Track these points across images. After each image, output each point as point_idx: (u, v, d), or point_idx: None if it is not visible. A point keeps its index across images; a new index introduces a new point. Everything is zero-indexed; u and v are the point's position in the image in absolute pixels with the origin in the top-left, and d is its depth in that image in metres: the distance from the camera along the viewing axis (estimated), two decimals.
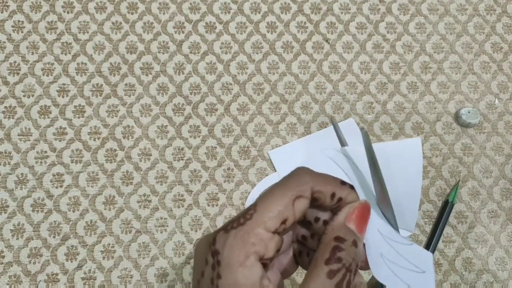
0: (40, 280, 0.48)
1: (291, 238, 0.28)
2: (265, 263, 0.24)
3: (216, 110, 0.52)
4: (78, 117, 0.51)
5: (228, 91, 0.53)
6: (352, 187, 0.26)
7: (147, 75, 0.53)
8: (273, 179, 0.51)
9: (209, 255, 0.24)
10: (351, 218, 0.25)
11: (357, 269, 0.24)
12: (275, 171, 0.51)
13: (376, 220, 0.26)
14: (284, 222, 0.24)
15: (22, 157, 0.50)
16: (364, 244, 0.26)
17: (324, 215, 0.27)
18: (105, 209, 0.49)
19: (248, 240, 0.23)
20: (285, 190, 0.25)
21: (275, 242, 0.24)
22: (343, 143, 0.27)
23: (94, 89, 0.52)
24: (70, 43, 0.53)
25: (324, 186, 0.25)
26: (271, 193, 0.25)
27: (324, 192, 0.25)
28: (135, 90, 0.52)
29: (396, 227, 0.27)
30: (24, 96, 0.51)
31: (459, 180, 0.51)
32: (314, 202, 0.26)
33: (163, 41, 0.54)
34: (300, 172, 0.26)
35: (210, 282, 0.24)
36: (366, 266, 0.27)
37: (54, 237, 0.48)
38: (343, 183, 0.26)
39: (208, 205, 0.50)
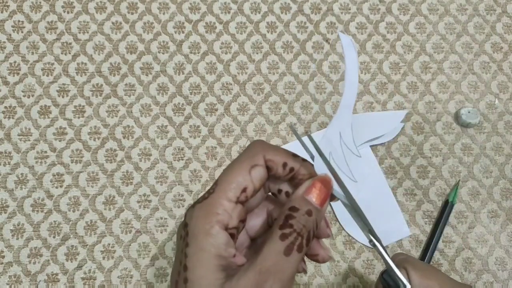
0: (40, 280, 0.48)
1: (261, 201, 0.30)
2: (232, 233, 0.26)
3: (216, 110, 0.52)
4: (78, 117, 0.51)
5: (228, 91, 0.53)
6: (305, 160, 0.28)
7: (147, 75, 0.53)
8: None
9: (182, 229, 0.26)
10: (311, 190, 0.27)
11: (310, 235, 0.26)
12: None
13: (342, 125, 0.28)
14: (244, 190, 0.26)
15: (22, 157, 0.50)
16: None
17: (285, 187, 0.29)
18: (105, 209, 0.49)
19: (211, 210, 0.26)
20: (240, 163, 0.27)
21: (238, 212, 0.26)
22: (309, 153, 0.28)
23: (94, 89, 0.52)
24: (70, 43, 0.53)
25: (276, 156, 0.27)
26: (229, 167, 0.27)
27: (275, 161, 0.27)
28: (135, 90, 0.52)
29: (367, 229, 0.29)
30: (24, 96, 0.51)
31: (459, 180, 0.51)
32: (269, 172, 0.28)
33: (163, 41, 0.54)
34: (253, 145, 0.28)
35: (181, 251, 0.26)
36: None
37: (54, 237, 0.48)
38: (295, 155, 0.28)
39: None
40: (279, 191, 0.29)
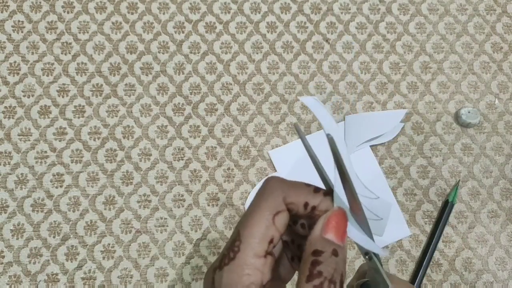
0: (40, 280, 0.48)
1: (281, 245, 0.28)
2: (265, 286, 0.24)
3: (216, 110, 0.52)
4: (78, 117, 0.51)
5: (228, 91, 0.53)
6: (326, 193, 0.26)
7: (147, 75, 0.53)
8: None
9: None
10: (328, 228, 0.24)
11: (343, 278, 0.24)
12: (275, 171, 0.51)
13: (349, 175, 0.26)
14: (271, 241, 0.24)
15: (22, 157, 0.50)
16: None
17: (302, 219, 0.27)
18: (105, 209, 0.49)
19: (242, 273, 0.23)
20: (261, 210, 0.24)
21: (269, 264, 0.24)
22: (310, 153, 0.26)
23: (94, 89, 0.52)
24: (70, 43, 0.53)
25: (296, 197, 0.25)
26: (249, 217, 0.25)
27: (297, 202, 0.25)
28: (135, 90, 0.52)
29: (370, 235, 0.27)
30: (24, 96, 0.51)
31: (459, 180, 0.51)
32: (289, 212, 0.25)
33: (163, 41, 0.54)
34: (271, 186, 0.25)
35: None
36: None
37: (54, 237, 0.48)
38: (316, 190, 0.26)
39: (208, 205, 0.50)
40: (295, 222, 0.27)
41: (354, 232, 0.26)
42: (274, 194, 0.25)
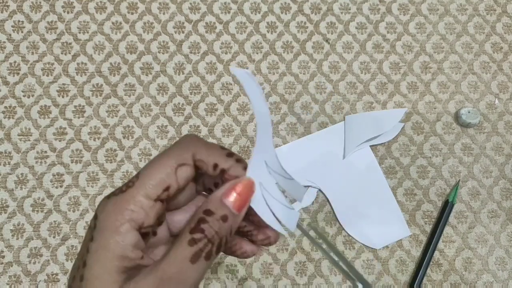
0: (40, 280, 0.48)
1: (190, 198, 0.28)
2: (146, 232, 0.24)
3: (216, 110, 0.52)
4: (78, 117, 0.51)
5: (228, 91, 0.53)
6: (239, 160, 0.26)
7: (147, 75, 0.53)
8: None
9: (92, 219, 0.25)
10: (230, 194, 0.25)
11: (222, 242, 0.24)
12: None
13: (265, 155, 0.26)
14: (166, 189, 0.24)
15: (22, 157, 0.50)
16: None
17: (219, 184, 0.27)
18: None
19: (126, 206, 0.24)
20: (167, 158, 0.25)
21: (156, 210, 0.24)
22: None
23: (94, 89, 0.52)
24: (70, 43, 0.53)
25: (207, 156, 0.25)
26: (154, 161, 0.25)
27: (206, 161, 0.25)
28: (135, 90, 0.52)
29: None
30: (24, 96, 0.51)
31: (459, 180, 0.51)
32: (198, 170, 0.26)
33: (163, 41, 0.54)
34: (184, 140, 0.26)
35: (84, 245, 0.24)
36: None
37: (54, 237, 0.48)
38: (229, 155, 0.26)
39: None
40: (216, 184, 0.28)
41: (262, 207, 0.26)
42: (185, 147, 0.25)
